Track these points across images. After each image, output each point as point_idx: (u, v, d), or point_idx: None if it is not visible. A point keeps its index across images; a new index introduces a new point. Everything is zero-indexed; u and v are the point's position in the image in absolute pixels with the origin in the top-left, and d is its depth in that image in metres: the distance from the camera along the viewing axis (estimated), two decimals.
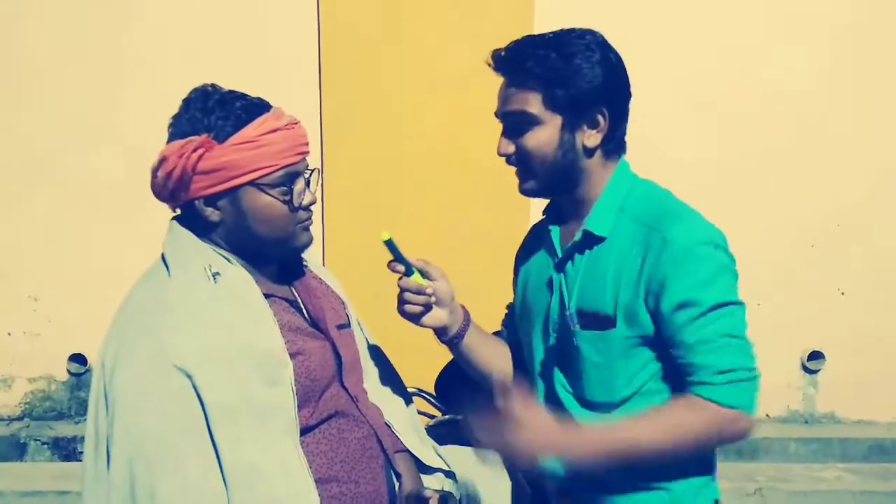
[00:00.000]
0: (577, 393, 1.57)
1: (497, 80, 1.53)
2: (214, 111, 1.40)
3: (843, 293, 4.02)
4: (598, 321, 1.50)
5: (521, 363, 1.74)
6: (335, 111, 3.73)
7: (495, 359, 1.72)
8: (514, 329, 1.78)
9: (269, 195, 1.42)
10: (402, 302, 1.54)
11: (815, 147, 3.90)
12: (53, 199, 3.86)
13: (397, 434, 1.62)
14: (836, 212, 3.96)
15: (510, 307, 1.83)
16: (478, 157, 3.73)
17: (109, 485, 1.33)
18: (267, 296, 1.46)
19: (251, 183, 1.40)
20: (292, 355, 1.42)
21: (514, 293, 1.77)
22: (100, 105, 3.79)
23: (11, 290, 3.93)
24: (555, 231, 1.61)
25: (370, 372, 1.68)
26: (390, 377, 1.73)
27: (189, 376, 1.33)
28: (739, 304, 1.46)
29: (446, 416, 2.39)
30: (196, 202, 1.42)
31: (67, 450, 3.87)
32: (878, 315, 4.01)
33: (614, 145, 1.55)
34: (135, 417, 1.32)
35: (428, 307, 1.56)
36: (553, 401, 1.60)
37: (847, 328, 3.99)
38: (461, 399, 2.39)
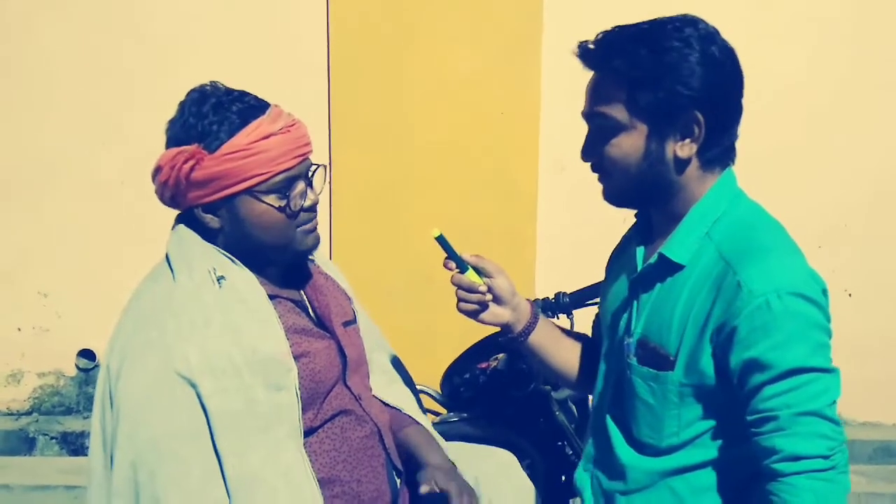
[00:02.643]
0: (624, 428, 1.45)
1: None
2: (208, 116, 1.35)
3: (850, 294, 4.01)
4: (657, 359, 1.35)
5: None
6: (343, 109, 3.74)
7: (568, 359, 1.61)
8: (599, 328, 1.65)
9: (265, 203, 1.38)
10: (458, 300, 1.48)
11: (821, 148, 3.89)
12: (63, 197, 3.89)
13: (409, 414, 1.61)
14: (843, 213, 3.95)
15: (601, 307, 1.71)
16: (485, 155, 3.75)
17: (111, 487, 1.33)
18: (272, 297, 1.44)
19: (246, 191, 1.37)
20: (297, 357, 1.41)
21: (602, 292, 1.62)
22: (108, 104, 3.81)
23: (21, 286, 3.96)
24: (640, 244, 1.44)
25: (377, 363, 1.68)
26: (397, 367, 1.74)
27: (193, 385, 1.32)
28: (826, 370, 1.25)
29: (451, 414, 2.40)
30: (195, 210, 1.40)
31: (76, 444, 3.89)
32: (886, 317, 4.00)
33: (715, 154, 1.34)
34: (139, 425, 1.32)
35: (484, 305, 1.49)
36: (600, 430, 1.50)
37: (854, 330, 3.96)
38: (466, 397, 2.40)
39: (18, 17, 3.78)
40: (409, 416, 1.62)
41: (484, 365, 2.40)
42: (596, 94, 1.33)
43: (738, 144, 1.40)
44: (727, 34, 1.36)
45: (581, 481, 1.56)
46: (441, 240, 1.45)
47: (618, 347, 1.45)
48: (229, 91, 1.40)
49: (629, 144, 1.31)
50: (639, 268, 1.41)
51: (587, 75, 1.43)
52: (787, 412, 1.22)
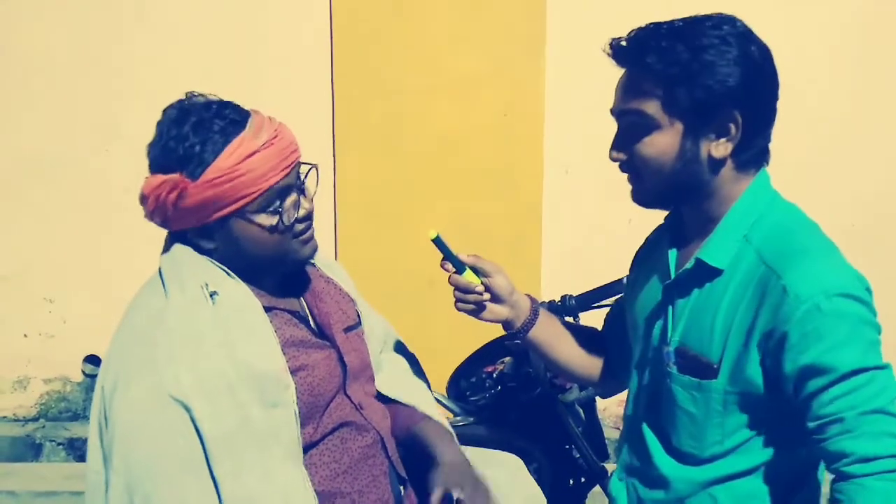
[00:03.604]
0: (663, 436, 1.42)
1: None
2: (188, 138, 1.30)
3: None
4: (699, 368, 1.32)
5: (612, 363, 1.63)
6: (347, 111, 3.73)
7: (571, 354, 1.62)
8: (613, 325, 1.65)
9: (256, 223, 1.34)
10: (455, 300, 1.49)
11: (828, 147, 3.86)
12: (68, 201, 3.88)
13: (422, 410, 1.59)
14: (851, 212, 3.93)
15: (618, 301, 1.70)
16: (489, 157, 3.73)
17: None
18: (268, 309, 1.40)
19: (237, 212, 1.33)
20: (295, 371, 1.38)
21: (626, 292, 1.60)
22: (111, 106, 3.80)
23: (27, 292, 3.95)
24: (671, 246, 1.41)
25: (388, 360, 1.66)
26: (411, 363, 1.72)
27: (187, 408, 1.28)
28: (881, 368, 1.23)
29: (458, 418, 2.39)
30: (188, 233, 1.37)
31: (82, 450, 3.87)
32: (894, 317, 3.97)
33: (750, 156, 1.31)
34: (133, 448, 1.29)
35: (481, 304, 1.49)
36: (636, 439, 1.48)
37: None
38: (472, 401, 2.39)
39: (19, 17, 3.77)
40: (422, 413, 1.59)
41: (490, 369, 2.39)
42: (629, 91, 1.30)
43: None
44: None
45: (616, 491, 1.54)
46: (438, 241, 1.46)
47: (654, 355, 1.42)
48: (208, 105, 1.34)
49: (664, 143, 1.28)
50: (672, 272, 1.39)
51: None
52: (852, 413, 1.21)
